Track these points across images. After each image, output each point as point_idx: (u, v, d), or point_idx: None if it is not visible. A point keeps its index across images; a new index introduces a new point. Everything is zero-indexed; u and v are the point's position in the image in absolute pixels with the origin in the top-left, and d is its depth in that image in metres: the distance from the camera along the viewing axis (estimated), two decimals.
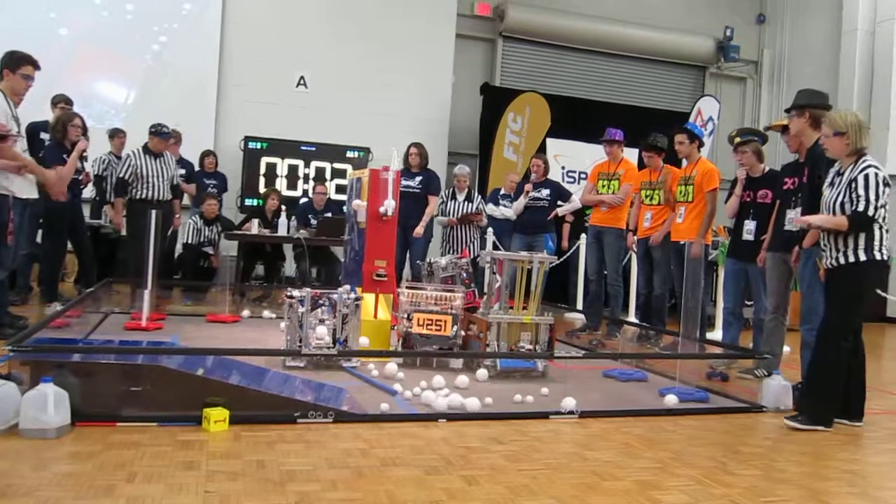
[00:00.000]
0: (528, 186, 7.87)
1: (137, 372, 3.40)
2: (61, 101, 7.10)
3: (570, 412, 3.94)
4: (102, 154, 8.05)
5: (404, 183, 7.28)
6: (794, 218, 4.94)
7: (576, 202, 8.06)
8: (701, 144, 6.48)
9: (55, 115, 6.73)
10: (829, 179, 4.15)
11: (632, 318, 8.08)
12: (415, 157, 7.77)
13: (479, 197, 8.67)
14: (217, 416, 3.28)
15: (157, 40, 9.98)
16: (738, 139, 5.74)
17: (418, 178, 7.75)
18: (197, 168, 9.13)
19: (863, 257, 3.96)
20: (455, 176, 8.42)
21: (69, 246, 6.97)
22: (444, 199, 8.34)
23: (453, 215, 8.17)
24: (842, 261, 4.00)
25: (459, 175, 8.35)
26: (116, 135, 8.32)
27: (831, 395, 4.01)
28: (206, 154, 9.19)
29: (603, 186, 7.27)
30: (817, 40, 12.26)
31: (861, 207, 3.90)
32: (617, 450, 3.39)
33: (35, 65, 5.15)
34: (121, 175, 7.03)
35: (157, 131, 7.17)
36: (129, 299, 6.88)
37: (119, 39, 9.71)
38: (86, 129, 6.73)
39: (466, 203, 8.25)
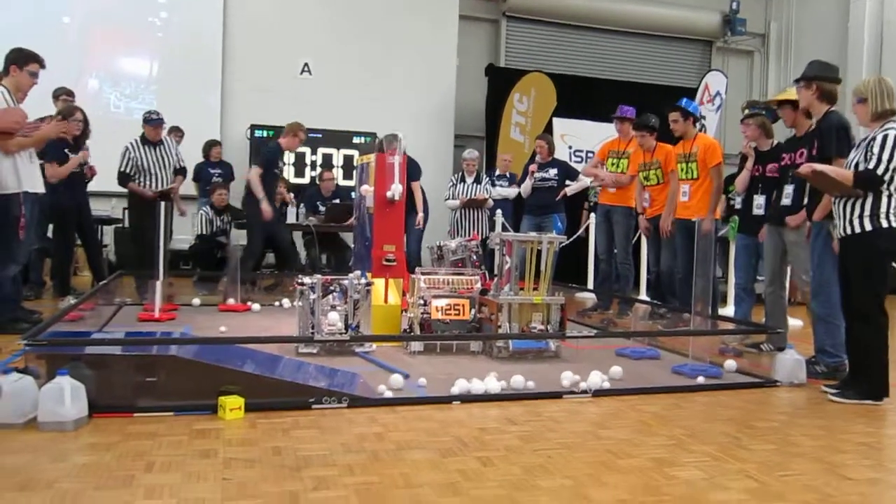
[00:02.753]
0: (532, 167, 7.85)
1: (152, 362, 3.41)
2: (63, 94, 7.09)
3: (584, 391, 3.94)
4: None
5: None
6: (791, 193, 4.95)
7: (584, 181, 8.03)
8: (696, 120, 6.42)
9: (57, 108, 6.74)
10: (857, 144, 4.13)
11: (643, 296, 8.07)
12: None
13: (488, 179, 8.66)
14: (232, 404, 3.30)
15: (158, 32, 9.96)
16: (746, 111, 5.71)
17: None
18: (202, 158, 9.14)
19: (868, 226, 3.90)
20: (463, 160, 8.42)
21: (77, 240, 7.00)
22: (454, 183, 8.34)
23: (462, 196, 8.16)
24: (849, 230, 3.97)
25: (468, 159, 8.35)
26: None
27: (876, 369, 3.99)
28: (211, 144, 9.20)
29: (612, 164, 7.24)
30: (825, 11, 12.11)
31: (871, 165, 3.85)
32: (631, 428, 3.39)
33: (42, 63, 5.16)
34: (121, 169, 7.02)
35: (147, 119, 7.16)
36: (141, 290, 6.90)
37: (123, 17, 9.71)
38: (87, 122, 6.74)
39: (475, 186, 8.26)
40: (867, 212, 3.91)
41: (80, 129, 6.60)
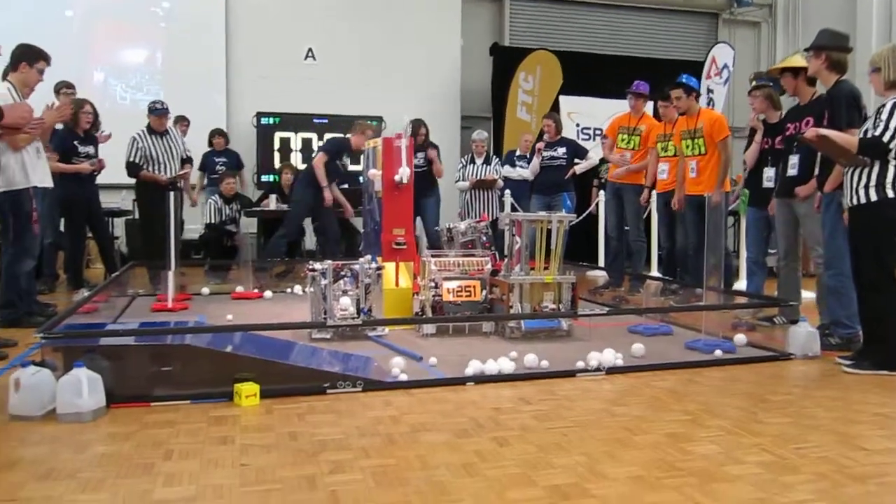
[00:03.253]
0: (539, 145, 7.82)
1: (167, 352, 3.44)
2: (63, 87, 7.07)
3: (598, 369, 3.95)
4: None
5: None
6: (796, 163, 4.90)
7: (593, 159, 8.00)
8: (698, 95, 6.37)
9: (61, 101, 6.72)
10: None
11: (654, 272, 8.05)
12: (421, 137, 7.73)
13: (497, 160, 8.63)
14: (248, 391, 3.33)
15: (161, 23, 9.94)
16: (753, 83, 5.66)
17: (420, 154, 7.73)
18: (208, 148, 9.13)
19: (874, 196, 3.87)
20: (473, 141, 8.41)
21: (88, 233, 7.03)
22: (463, 164, 8.33)
23: (472, 177, 8.16)
24: (855, 201, 3.94)
25: (477, 140, 8.33)
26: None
27: (891, 338, 3.97)
28: (214, 133, 9.18)
29: (623, 141, 7.20)
30: None
31: (878, 132, 3.82)
32: (645, 404, 3.40)
33: (49, 61, 5.18)
34: (130, 159, 7.03)
35: (151, 109, 7.17)
36: (154, 281, 6.94)
37: (126, 9, 9.69)
38: (97, 114, 6.75)
39: (485, 167, 8.24)
40: (873, 181, 3.88)
41: (90, 122, 6.61)
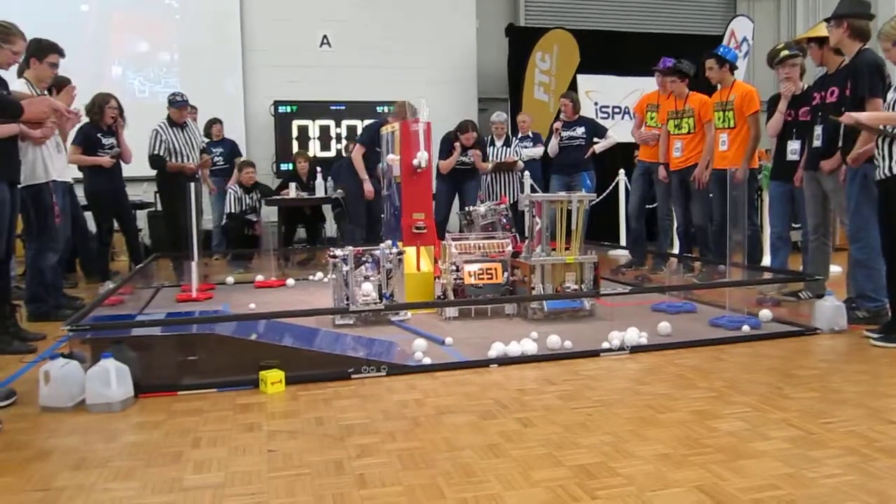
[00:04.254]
0: (557, 125, 7.76)
1: (193, 341, 3.48)
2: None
3: (621, 348, 3.94)
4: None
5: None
6: (820, 134, 4.82)
7: (612, 138, 7.93)
8: (733, 68, 6.25)
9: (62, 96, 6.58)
10: None
11: (676, 250, 7.99)
12: (469, 139, 7.72)
13: (517, 141, 8.59)
14: (273, 378, 3.36)
15: (175, 15, 9.96)
16: (784, 52, 5.48)
17: (470, 151, 7.76)
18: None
19: None
20: (492, 123, 8.37)
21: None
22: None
23: (493, 160, 8.12)
24: (887, 172, 3.88)
25: (497, 122, 8.29)
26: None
27: None
28: (212, 122, 9.12)
29: (651, 119, 7.11)
30: None
31: None
32: (670, 382, 3.38)
33: (61, 53, 5.19)
34: (155, 152, 7.06)
35: (172, 101, 7.19)
36: (178, 272, 6.99)
37: (140, 1, 9.72)
38: (121, 109, 6.79)
39: (505, 149, 8.21)
40: None
41: (114, 117, 6.64)
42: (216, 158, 8.78)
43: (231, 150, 9.17)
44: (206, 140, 8.90)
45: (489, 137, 8.36)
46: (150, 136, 7.09)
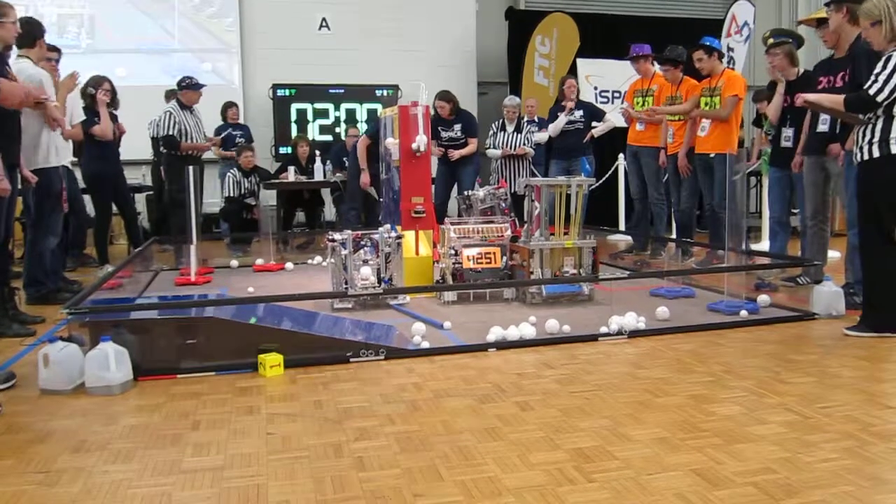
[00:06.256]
0: (569, 104, 7.72)
1: (192, 325, 3.48)
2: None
3: (620, 333, 3.95)
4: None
5: (446, 135, 7.44)
6: (827, 118, 4.79)
7: (610, 122, 7.91)
8: (721, 56, 6.27)
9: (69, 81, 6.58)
10: None
11: (675, 235, 7.99)
12: (443, 109, 7.55)
13: (528, 126, 8.54)
14: (272, 362, 3.36)
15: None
16: (770, 40, 5.49)
17: (457, 126, 7.59)
18: (220, 122, 9.10)
19: (876, 153, 3.74)
20: (504, 107, 8.29)
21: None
22: (494, 131, 8.23)
23: (504, 147, 8.07)
24: (859, 157, 3.84)
25: (509, 106, 8.21)
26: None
27: (888, 300, 3.85)
28: (228, 105, 9.14)
29: (638, 104, 7.11)
30: None
31: (867, 87, 3.68)
32: (668, 367, 3.39)
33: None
34: (170, 133, 7.06)
35: (190, 84, 7.19)
36: (177, 255, 6.99)
37: None
38: (115, 92, 6.76)
39: (516, 134, 8.16)
40: (876, 137, 3.75)
41: (109, 99, 6.62)
42: (238, 140, 8.79)
43: (248, 131, 9.18)
44: (224, 123, 8.95)
45: (500, 121, 8.28)
46: (164, 118, 7.13)
